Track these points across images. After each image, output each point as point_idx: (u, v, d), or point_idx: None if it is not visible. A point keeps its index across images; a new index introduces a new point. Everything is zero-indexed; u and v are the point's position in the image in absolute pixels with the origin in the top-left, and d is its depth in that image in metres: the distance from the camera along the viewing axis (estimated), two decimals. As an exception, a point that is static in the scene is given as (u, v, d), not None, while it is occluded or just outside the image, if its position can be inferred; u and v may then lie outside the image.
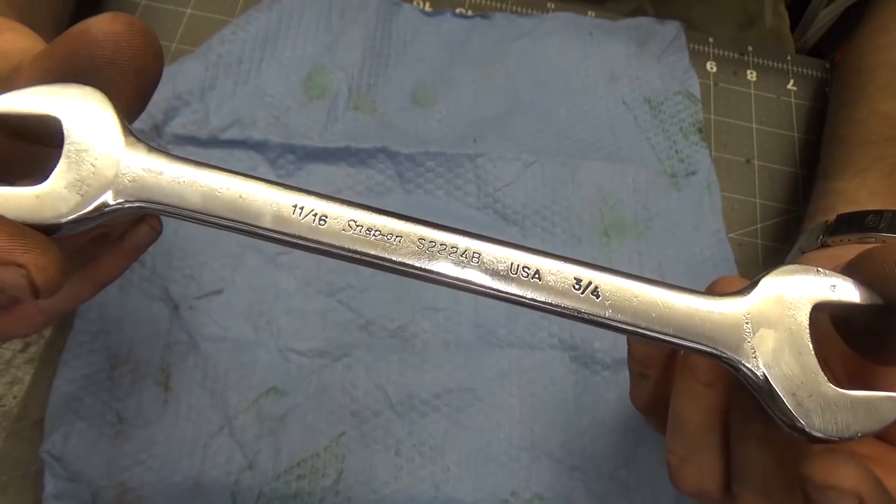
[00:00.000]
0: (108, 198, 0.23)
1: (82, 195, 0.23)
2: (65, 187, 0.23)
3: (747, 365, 0.24)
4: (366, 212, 0.24)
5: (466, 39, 0.56)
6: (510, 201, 0.49)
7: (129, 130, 0.24)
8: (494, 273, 0.23)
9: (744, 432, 0.27)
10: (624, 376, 0.45)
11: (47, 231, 0.23)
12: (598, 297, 0.24)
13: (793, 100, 0.58)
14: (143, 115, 0.30)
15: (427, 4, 0.58)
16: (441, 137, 0.51)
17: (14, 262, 0.21)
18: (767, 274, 0.25)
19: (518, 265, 0.24)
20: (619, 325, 0.24)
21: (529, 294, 0.23)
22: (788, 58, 0.60)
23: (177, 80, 0.49)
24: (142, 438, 0.41)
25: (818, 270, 0.25)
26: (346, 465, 0.42)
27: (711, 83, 0.58)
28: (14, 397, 0.42)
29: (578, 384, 0.45)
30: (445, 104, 0.53)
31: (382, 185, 0.49)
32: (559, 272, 0.24)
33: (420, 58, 0.55)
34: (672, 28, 0.58)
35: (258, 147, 0.48)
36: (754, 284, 0.25)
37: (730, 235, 0.51)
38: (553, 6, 0.59)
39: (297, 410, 0.42)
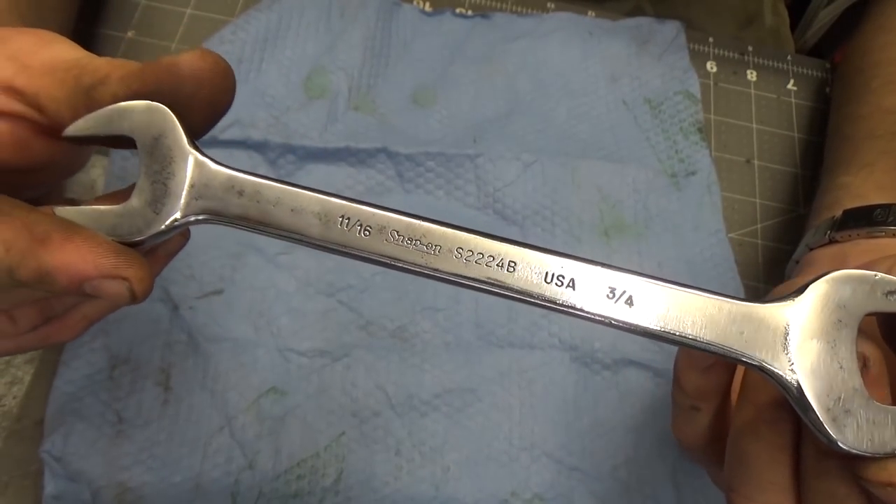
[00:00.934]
0: (178, 213, 0.25)
1: (157, 213, 0.25)
2: (143, 206, 0.25)
3: (784, 377, 0.23)
4: (408, 221, 0.25)
5: (466, 39, 0.56)
6: (510, 201, 0.49)
7: (196, 147, 0.25)
8: (529, 281, 0.24)
9: (818, 469, 0.25)
10: (624, 376, 0.45)
11: (129, 246, 0.25)
12: (631, 305, 0.24)
13: (793, 100, 0.58)
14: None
15: (427, 4, 0.58)
16: (441, 137, 0.51)
17: (121, 276, 0.24)
18: (820, 278, 0.24)
19: (553, 274, 0.24)
20: (653, 332, 0.24)
21: (564, 302, 0.24)
22: (788, 58, 0.60)
23: (177, 80, 0.49)
24: (142, 438, 0.41)
25: (876, 275, 0.23)
26: (346, 465, 0.42)
27: (711, 83, 0.58)
28: (14, 397, 0.42)
29: (578, 384, 0.45)
30: (445, 104, 0.53)
31: (382, 185, 0.49)
32: (594, 280, 0.24)
33: (420, 58, 0.55)
34: (672, 28, 0.58)
35: (258, 147, 0.48)
36: (803, 289, 0.24)
37: (730, 235, 0.51)
38: (553, 6, 0.59)
39: (297, 410, 0.42)
